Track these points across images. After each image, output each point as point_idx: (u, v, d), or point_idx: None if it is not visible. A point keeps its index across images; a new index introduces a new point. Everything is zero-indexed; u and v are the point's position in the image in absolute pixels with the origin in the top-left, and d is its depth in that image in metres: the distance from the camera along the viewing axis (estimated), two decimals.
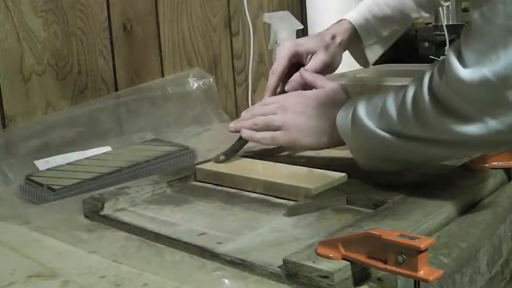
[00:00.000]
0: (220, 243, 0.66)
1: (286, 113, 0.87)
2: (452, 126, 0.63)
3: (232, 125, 0.93)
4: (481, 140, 0.63)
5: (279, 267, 0.58)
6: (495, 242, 0.68)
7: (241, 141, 0.93)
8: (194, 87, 1.35)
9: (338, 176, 0.82)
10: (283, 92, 0.94)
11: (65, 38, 1.19)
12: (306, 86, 0.92)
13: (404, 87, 0.71)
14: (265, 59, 1.56)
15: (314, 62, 0.95)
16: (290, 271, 0.57)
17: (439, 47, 1.69)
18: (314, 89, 0.90)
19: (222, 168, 0.89)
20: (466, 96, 0.61)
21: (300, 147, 0.91)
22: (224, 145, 0.95)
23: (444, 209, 0.69)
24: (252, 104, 1.53)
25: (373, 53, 1.04)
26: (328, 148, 0.87)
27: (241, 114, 0.95)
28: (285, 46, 0.96)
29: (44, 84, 1.17)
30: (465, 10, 1.96)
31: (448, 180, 0.77)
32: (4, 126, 1.12)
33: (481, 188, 0.76)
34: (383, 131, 0.72)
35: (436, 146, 0.67)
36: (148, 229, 0.72)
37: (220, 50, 1.48)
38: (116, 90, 1.28)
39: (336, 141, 0.83)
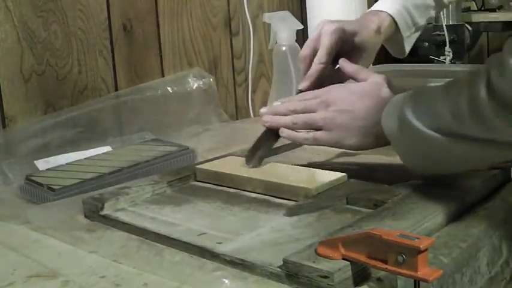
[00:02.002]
0: (220, 243, 0.66)
1: (329, 111, 0.82)
2: None
3: (268, 119, 0.87)
4: None
5: (279, 267, 0.58)
6: (495, 242, 0.68)
7: (273, 138, 0.88)
8: (194, 87, 1.35)
9: (338, 176, 0.82)
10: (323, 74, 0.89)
11: (65, 38, 1.19)
12: (334, 78, 0.89)
13: (453, 85, 0.67)
14: (265, 59, 1.56)
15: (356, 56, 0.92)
16: (290, 271, 0.57)
17: (439, 47, 1.69)
18: (357, 83, 0.85)
19: (222, 168, 0.89)
20: None
21: (344, 148, 0.84)
22: (224, 145, 0.95)
23: (444, 209, 0.69)
24: (252, 104, 1.53)
25: (410, 41, 1.01)
26: (374, 149, 0.82)
27: (274, 104, 0.89)
28: (330, 31, 0.89)
29: (44, 84, 1.17)
30: (465, 10, 1.96)
31: (448, 180, 0.77)
32: (4, 126, 1.12)
33: (481, 188, 0.76)
34: (436, 132, 0.67)
35: (498, 147, 0.63)
36: (148, 229, 0.72)
37: (220, 50, 1.48)
38: (116, 90, 1.28)
39: (383, 143, 0.78)
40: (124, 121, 1.25)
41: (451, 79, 0.69)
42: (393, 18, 0.96)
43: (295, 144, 1.05)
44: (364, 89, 0.83)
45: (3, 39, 1.11)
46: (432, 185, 0.76)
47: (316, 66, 0.89)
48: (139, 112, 1.27)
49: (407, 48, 1.02)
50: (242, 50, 1.53)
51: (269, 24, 1.31)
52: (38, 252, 0.69)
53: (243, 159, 0.94)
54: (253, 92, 1.54)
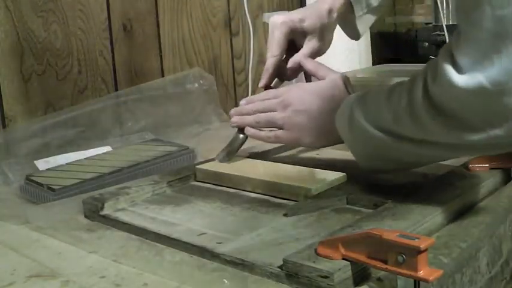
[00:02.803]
0: (220, 243, 0.66)
1: (287, 111, 0.86)
2: (450, 131, 0.63)
3: (235, 119, 0.92)
4: (481, 144, 0.62)
5: (279, 267, 0.58)
6: (495, 242, 0.68)
7: (241, 136, 0.93)
8: (194, 87, 1.35)
9: (338, 176, 0.82)
10: (280, 74, 0.94)
11: (65, 38, 1.19)
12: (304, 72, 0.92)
13: (397, 87, 0.70)
14: (265, 59, 1.56)
15: (308, 48, 0.93)
16: (290, 271, 0.57)
17: (439, 47, 1.68)
18: (315, 82, 0.89)
19: (222, 168, 0.89)
20: (463, 102, 0.60)
21: (302, 146, 0.90)
22: (224, 145, 0.95)
23: (444, 209, 0.69)
24: None
25: (364, 24, 1.00)
26: (330, 146, 0.87)
27: (241, 103, 0.94)
28: (279, 24, 0.92)
29: (44, 84, 1.17)
30: None
31: (448, 180, 0.77)
32: (4, 126, 1.12)
33: (481, 188, 0.76)
34: (380, 132, 0.71)
35: (433, 147, 0.67)
36: (148, 229, 0.72)
37: (220, 50, 1.48)
38: (116, 90, 1.28)
39: (337, 140, 0.82)
40: (124, 121, 1.25)
41: (397, 82, 0.72)
42: None
43: (294, 145, 1.05)
44: (321, 88, 0.87)
45: (3, 39, 1.11)
46: (432, 185, 0.76)
47: (270, 60, 0.93)
48: (140, 112, 1.27)
49: (361, 29, 1.00)
50: (242, 50, 1.53)
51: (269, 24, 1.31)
52: (38, 252, 0.69)
53: (244, 159, 0.94)
54: (253, 92, 1.54)
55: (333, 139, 0.83)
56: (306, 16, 0.93)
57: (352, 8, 0.97)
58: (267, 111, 0.89)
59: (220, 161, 0.92)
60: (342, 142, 0.81)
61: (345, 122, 0.77)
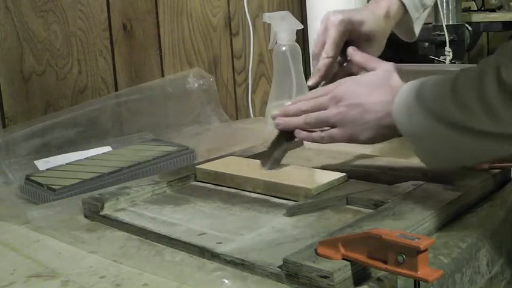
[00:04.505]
0: (220, 243, 0.66)
1: (340, 106, 0.78)
2: None
3: (281, 121, 0.84)
4: None
5: (279, 267, 0.58)
6: (495, 242, 0.68)
7: (286, 139, 0.86)
8: (194, 87, 1.35)
9: (338, 176, 0.82)
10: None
11: (65, 38, 1.19)
12: (348, 69, 0.86)
13: (461, 76, 0.65)
14: (265, 59, 1.56)
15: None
16: (290, 271, 0.57)
17: (439, 47, 1.69)
18: (365, 74, 0.81)
19: (222, 168, 0.89)
20: None
21: (359, 143, 0.80)
22: (224, 145, 0.95)
23: (444, 209, 0.69)
24: (252, 104, 1.53)
25: (420, 23, 0.96)
26: (389, 139, 0.79)
27: (285, 104, 0.85)
28: (337, 22, 0.85)
29: (44, 84, 1.17)
30: (465, 10, 1.96)
31: (448, 180, 0.77)
32: (4, 126, 1.12)
33: (481, 188, 0.76)
34: (445, 126, 0.65)
35: (506, 140, 0.61)
36: (148, 229, 0.72)
37: (220, 50, 1.48)
38: (116, 90, 1.28)
39: (397, 134, 0.73)
40: (124, 121, 1.25)
41: (460, 71, 0.66)
42: (401, 1, 0.91)
43: (295, 144, 1.05)
44: (374, 79, 0.79)
45: (3, 39, 1.11)
46: (432, 185, 0.76)
47: (324, 60, 0.86)
48: (139, 112, 1.27)
49: (417, 30, 0.97)
50: (242, 50, 1.53)
51: (269, 24, 1.31)
52: (38, 252, 0.69)
53: (244, 159, 0.94)
54: (253, 92, 1.54)
55: (392, 134, 0.75)
56: (364, 20, 0.88)
57: (407, 11, 0.92)
58: (317, 110, 0.81)
59: (269, 168, 0.86)
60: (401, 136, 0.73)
61: (403, 115, 0.71)
